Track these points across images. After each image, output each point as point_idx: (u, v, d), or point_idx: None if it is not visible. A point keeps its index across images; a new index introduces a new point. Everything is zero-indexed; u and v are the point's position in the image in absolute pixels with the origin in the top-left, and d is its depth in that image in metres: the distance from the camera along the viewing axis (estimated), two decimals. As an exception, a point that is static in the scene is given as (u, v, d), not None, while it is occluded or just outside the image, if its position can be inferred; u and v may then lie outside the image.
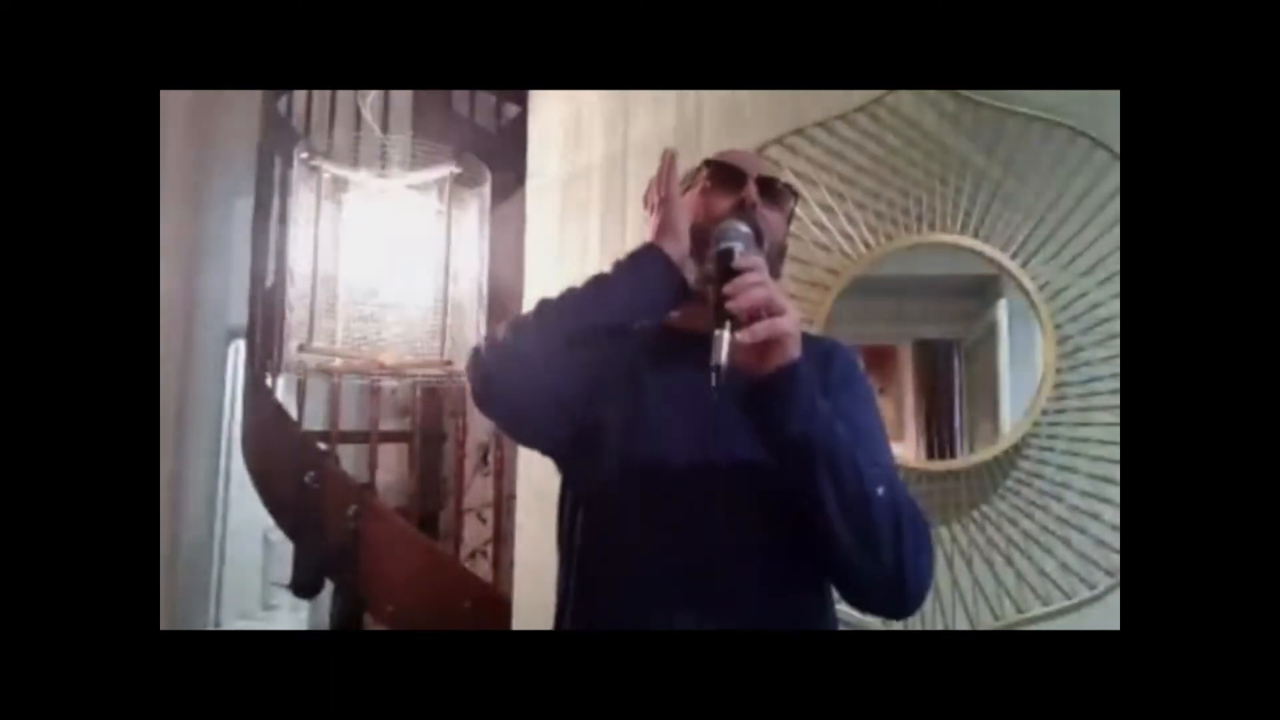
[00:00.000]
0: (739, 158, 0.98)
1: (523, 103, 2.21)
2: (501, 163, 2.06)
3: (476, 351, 0.88)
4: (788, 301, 0.77)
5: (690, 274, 0.90)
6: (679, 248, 0.89)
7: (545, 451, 0.97)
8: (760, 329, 0.74)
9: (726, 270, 0.78)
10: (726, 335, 0.74)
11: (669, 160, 0.92)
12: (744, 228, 0.85)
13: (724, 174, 0.94)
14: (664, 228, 0.90)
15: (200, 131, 2.85)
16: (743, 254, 0.80)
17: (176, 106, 2.62)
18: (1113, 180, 1.43)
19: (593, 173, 1.68)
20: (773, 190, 0.94)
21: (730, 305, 0.75)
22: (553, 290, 0.89)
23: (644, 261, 0.89)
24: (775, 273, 0.90)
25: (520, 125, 2.20)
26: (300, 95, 2.65)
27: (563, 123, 1.73)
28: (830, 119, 1.56)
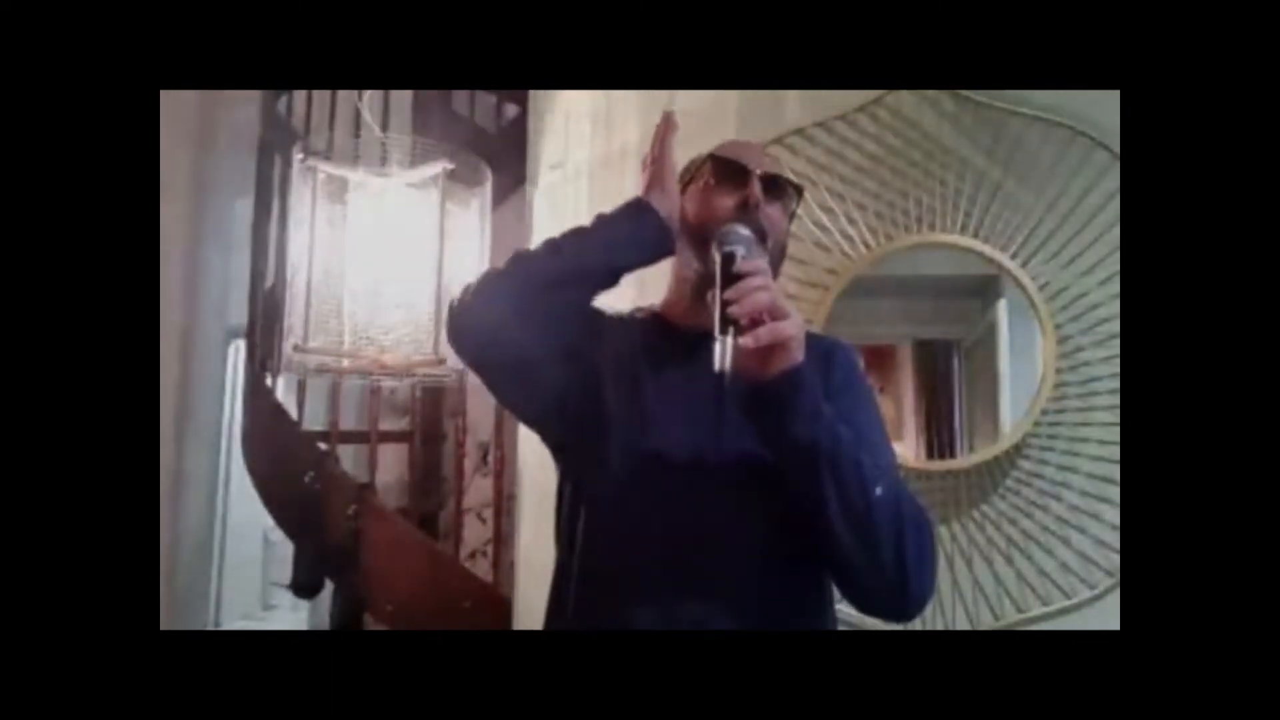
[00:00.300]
0: (743, 152, 0.97)
1: (523, 103, 2.21)
2: (502, 163, 2.06)
3: (452, 302, 0.89)
4: (791, 306, 0.77)
5: (676, 233, 0.91)
6: (668, 204, 0.90)
7: (531, 419, 0.98)
8: (763, 334, 0.74)
9: (729, 275, 0.78)
10: (730, 340, 0.74)
11: (666, 122, 0.93)
12: (746, 231, 0.85)
13: (727, 169, 0.94)
14: (654, 184, 0.91)
15: (200, 131, 2.85)
16: (745, 258, 0.80)
17: (176, 106, 2.62)
18: (1113, 180, 1.42)
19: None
20: (776, 187, 0.94)
21: (733, 310, 0.75)
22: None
23: (630, 212, 0.90)
24: (776, 271, 0.90)
25: (520, 125, 2.20)
26: (300, 95, 2.64)
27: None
28: (830, 119, 1.56)
